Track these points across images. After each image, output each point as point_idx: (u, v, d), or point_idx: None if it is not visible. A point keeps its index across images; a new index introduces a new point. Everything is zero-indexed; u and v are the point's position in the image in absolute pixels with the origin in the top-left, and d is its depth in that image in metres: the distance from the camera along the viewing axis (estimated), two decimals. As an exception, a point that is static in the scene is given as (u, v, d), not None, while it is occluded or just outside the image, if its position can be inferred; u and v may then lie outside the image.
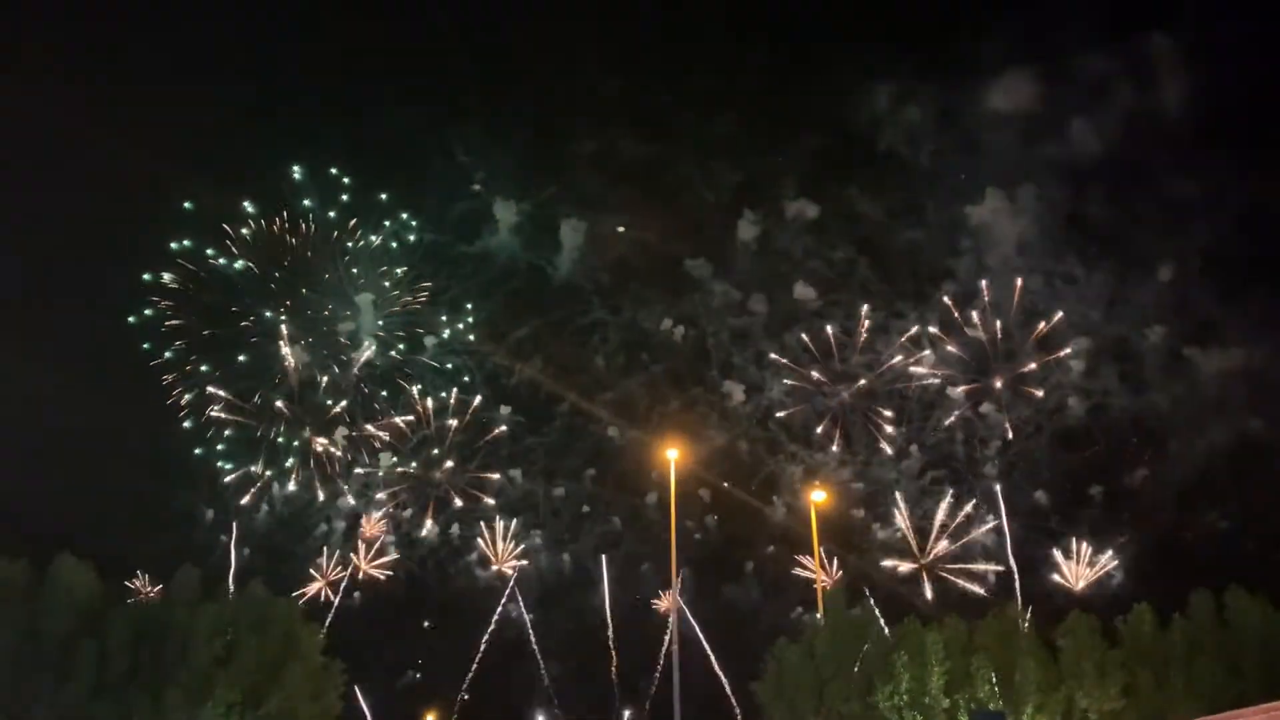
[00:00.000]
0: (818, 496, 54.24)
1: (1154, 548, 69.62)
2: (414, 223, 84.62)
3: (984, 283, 77.67)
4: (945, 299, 78.38)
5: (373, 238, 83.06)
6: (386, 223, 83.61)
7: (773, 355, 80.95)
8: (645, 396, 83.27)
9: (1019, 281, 77.64)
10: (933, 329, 79.02)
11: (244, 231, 78.88)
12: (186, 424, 76.73)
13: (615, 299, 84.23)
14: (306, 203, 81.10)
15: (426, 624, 77.89)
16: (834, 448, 78.95)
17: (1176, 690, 40.49)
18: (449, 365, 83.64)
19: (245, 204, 78.66)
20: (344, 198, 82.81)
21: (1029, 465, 76.16)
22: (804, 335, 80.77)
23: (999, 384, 77.26)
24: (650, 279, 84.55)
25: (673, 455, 52.23)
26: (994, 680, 41.72)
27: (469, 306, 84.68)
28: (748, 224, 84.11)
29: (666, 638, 44.28)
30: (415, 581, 79.39)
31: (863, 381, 79.56)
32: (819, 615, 46.42)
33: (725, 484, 77.36)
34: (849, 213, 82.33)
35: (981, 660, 41.99)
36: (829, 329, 79.92)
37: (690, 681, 56.28)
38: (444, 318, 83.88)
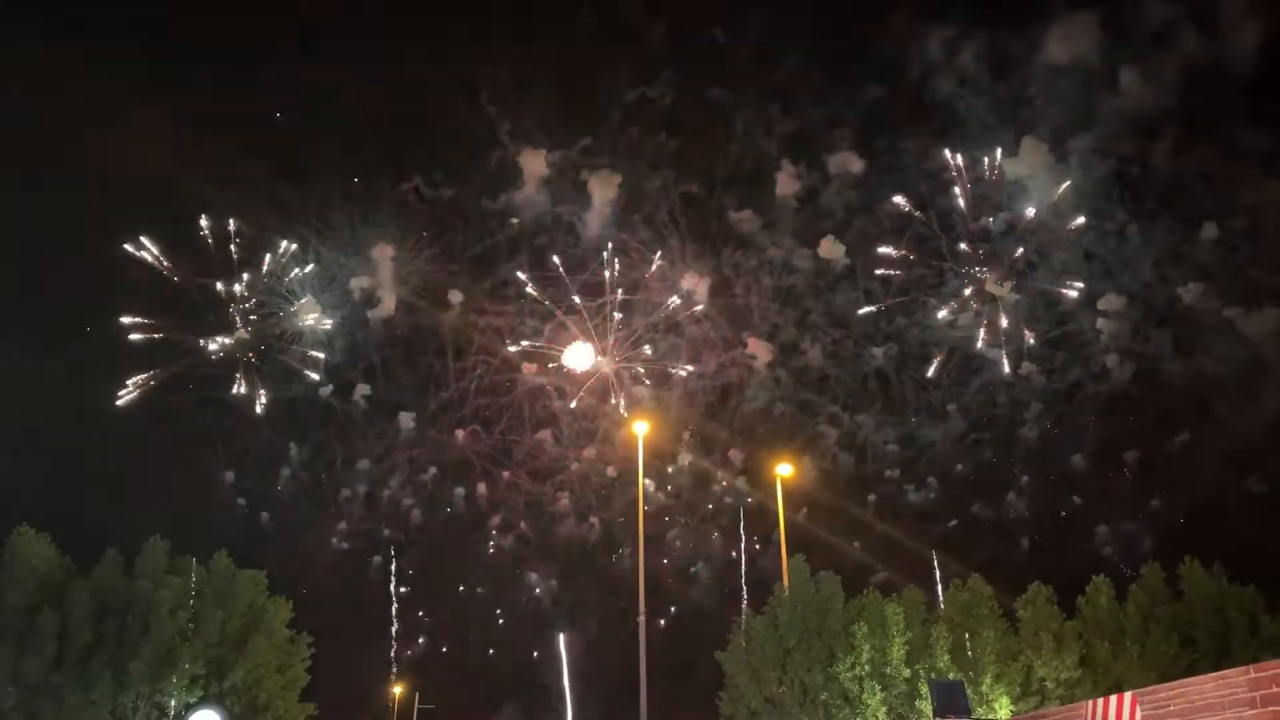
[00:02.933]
0: (783, 470, 54.58)
1: (1187, 514, 69.75)
2: (434, 175, 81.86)
3: (1021, 249, 77.11)
4: (983, 257, 77.76)
5: (394, 190, 79.42)
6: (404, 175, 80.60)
7: (814, 316, 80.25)
8: (681, 357, 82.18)
9: (1067, 238, 76.73)
10: (980, 286, 78.69)
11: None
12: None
13: (649, 256, 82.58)
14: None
15: None
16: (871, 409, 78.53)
17: (1132, 660, 41.32)
18: (472, 324, 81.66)
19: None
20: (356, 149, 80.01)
21: (1068, 428, 76.40)
22: (847, 292, 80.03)
23: (1032, 342, 77.15)
24: (689, 235, 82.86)
25: (641, 429, 52.52)
26: (952, 650, 42.28)
27: (493, 264, 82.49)
28: (792, 177, 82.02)
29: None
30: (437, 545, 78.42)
31: (900, 342, 78.82)
32: (785, 585, 46.72)
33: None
34: (898, 166, 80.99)
35: (941, 631, 42.57)
36: (871, 286, 79.23)
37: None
38: (466, 276, 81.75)
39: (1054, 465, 76.97)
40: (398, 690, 76.61)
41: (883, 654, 41.84)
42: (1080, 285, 76.21)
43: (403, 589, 79.67)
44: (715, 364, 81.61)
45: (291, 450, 79.05)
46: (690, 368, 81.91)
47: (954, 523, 77.44)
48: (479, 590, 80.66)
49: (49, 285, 71.77)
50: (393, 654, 76.91)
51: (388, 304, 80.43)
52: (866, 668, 41.64)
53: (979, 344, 78.54)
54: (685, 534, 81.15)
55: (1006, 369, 77.35)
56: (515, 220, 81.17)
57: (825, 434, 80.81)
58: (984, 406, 78.44)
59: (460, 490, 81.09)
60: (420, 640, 78.83)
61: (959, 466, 78.59)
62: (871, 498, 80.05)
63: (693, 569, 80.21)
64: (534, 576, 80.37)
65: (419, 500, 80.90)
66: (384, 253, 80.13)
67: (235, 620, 41.50)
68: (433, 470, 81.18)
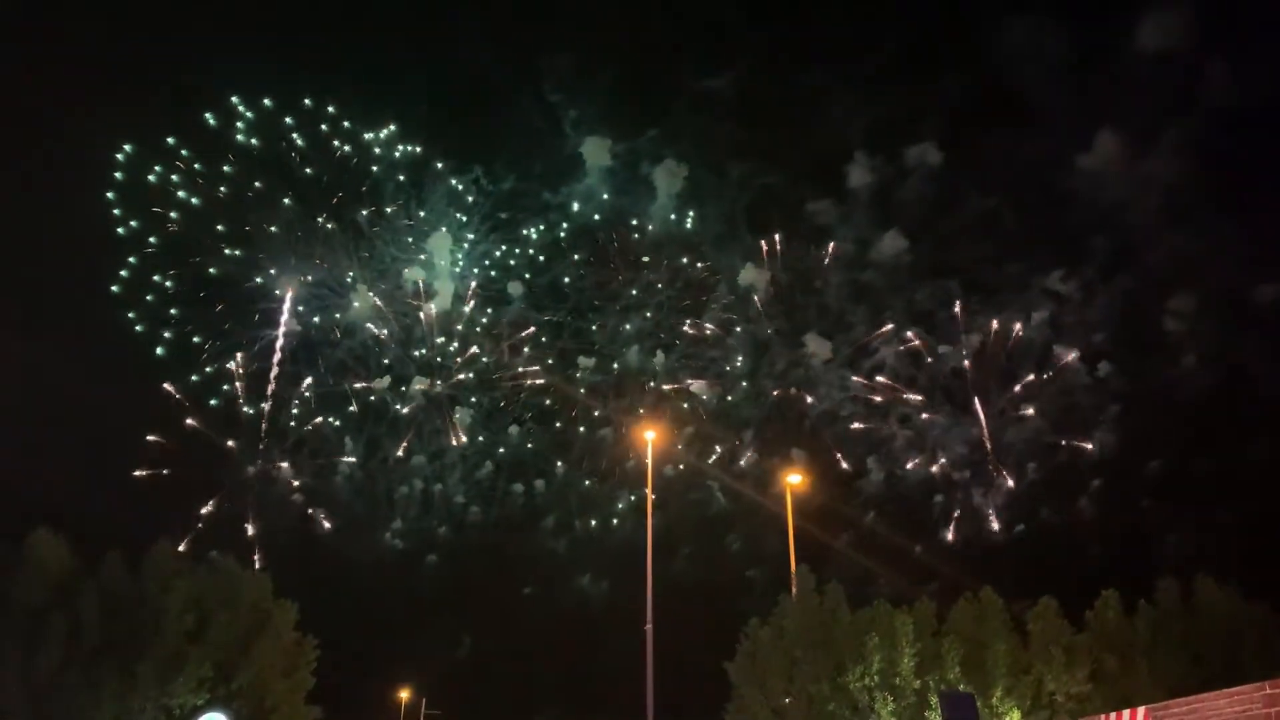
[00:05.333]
0: (794, 480, 54.28)
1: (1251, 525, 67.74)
2: (493, 167, 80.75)
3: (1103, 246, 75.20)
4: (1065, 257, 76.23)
5: (454, 181, 78.47)
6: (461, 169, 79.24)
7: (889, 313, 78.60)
8: (747, 357, 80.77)
9: (1150, 236, 75.09)
10: (1060, 286, 76.94)
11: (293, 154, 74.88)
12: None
13: (719, 249, 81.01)
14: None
15: None
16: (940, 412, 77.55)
17: (1142, 675, 40.91)
18: (530, 321, 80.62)
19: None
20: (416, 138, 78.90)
21: (1143, 432, 75.22)
22: (923, 289, 78.42)
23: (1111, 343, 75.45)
24: (757, 228, 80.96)
25: (650, 436, 52.49)
26: (963, 663, 41.94)
27: (552, 258, 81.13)
28: (867, 170, 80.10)
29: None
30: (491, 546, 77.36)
31: (977, 341, 77.40)
32: (793, 594, 46.47)
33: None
34: (979, 159, 79.32)
35: (952, 643, 42.24)
36: (948, 284, 78.03)
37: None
38: (523, 269, 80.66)
39: (1129, 470, 75.46)
40: (404, 695, 76.39)
41: (893, 665, 41.56)
42: (1161, 285, 74.89)
43: (449, 589, 79.01)
44: (782, 362, 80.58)
45: (347, 445, 78.59)
46: (750, 366, 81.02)
47: (1021, 527, 76.15)
48: (527, 590, 79.85)
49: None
50: (429, 656, 76.29)
51: (443, 296, 79.71)
52: (876, 679, 41.35)
53: (1057, 345, 77.45)
54: (741, 539, 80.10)
55: (1084, 371, 76.21)
56: (576, 212, 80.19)
57: (894, 435, 79.78)
58: (1060, 410, 77.32)
59: (518, 487, 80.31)
60: (466, 641, 78.09)
61: (1031, 468, 77.43)
62: (939, 499, 78.93)
63: (748, 573, 79.04)
64: (585, 579, 79.58)
65: (473, 498, 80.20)
66: (440, 244, 79.28)
67: (241, 622, 41.41)
68: (489, 466, 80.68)
